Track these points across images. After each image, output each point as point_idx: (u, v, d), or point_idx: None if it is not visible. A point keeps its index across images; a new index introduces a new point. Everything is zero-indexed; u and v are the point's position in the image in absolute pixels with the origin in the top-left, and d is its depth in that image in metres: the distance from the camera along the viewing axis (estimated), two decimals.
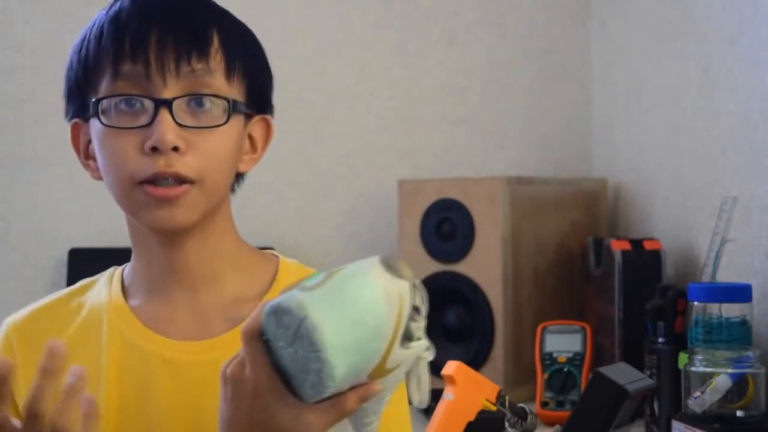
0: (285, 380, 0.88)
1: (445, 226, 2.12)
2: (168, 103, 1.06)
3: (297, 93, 2.37)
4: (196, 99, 1.08)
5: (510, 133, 2.49)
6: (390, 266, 0.89)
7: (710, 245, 1.66)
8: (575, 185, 2.28)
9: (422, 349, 0.91)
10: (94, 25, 1.11)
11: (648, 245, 1.93)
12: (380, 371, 0.89)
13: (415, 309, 0.91)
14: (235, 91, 1.11)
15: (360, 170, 2.42)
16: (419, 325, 0.91)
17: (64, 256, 2.26)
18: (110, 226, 2.29)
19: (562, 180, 2.32)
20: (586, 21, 2.51)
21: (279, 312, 0.86)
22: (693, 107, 1.98)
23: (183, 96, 1.07)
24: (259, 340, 0.88)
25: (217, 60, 1.09)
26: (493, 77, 2.48)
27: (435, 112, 2.46)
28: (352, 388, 0.89)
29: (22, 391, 1.13)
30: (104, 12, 1.11)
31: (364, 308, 0.86)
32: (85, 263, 2.21)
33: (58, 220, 2.30)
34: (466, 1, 2.47)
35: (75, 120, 1.14)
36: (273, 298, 0.87)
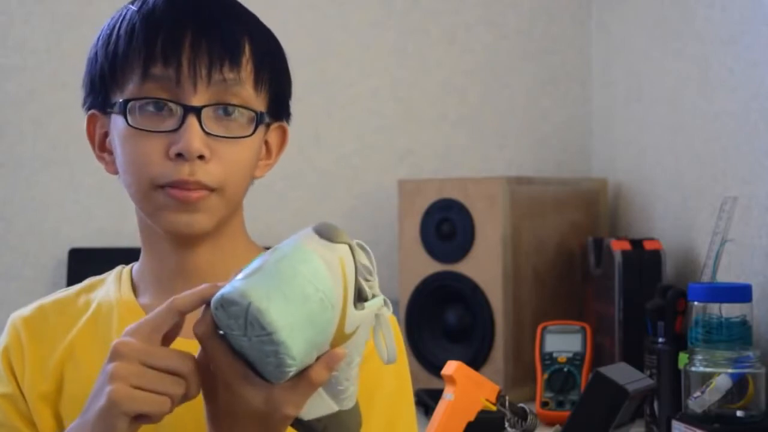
0: (250, 366, 0.89)
1: (445, 226, 2.12)
2: (197, 111, 1.05)
3: (297, 93, 2.35)
4: (224, 108, 1.07)
5: (510, 133, 2.49)
6: (324, 234, 0.88)
7: (710, 245, 1.65)
8: (575, 185, 2.28)
9: (378, 305, 0.91)
10: (123, 18, 1.09)
11: (648, 245, 1.93)
12: (341, 337, 0.89)
13: (365, 268, 0.90)
14: (260, 101, 1.11)
15: (360, 170, 2.42)
16: (372, 283, 0.91)
17: (64, 256, 2.26)
18: (110, 226, 2.29)
19: (562, 180, 2.32)
20: (586, 21, 2.51)
21: (225, 304, 0.86)
22: (693, 107, 1.98)
23: (212, 104, 1.06)
24: (216, 335, 0.89)
25: (247, 70, 1.08)
26: (493, 77, 2.48)
27: (435, 112, 2.46)
28: (317, 360, 0.89)
29: (28, 382, 1.13)
30: (135, 8, 1.09)
31: (305, 282, 0.85)
32: (85, 263, 2.21)
33: (58, 220, 2.30)
34: (466, 1, 2.47)
35: (92, 111, 1.13)
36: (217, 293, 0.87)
